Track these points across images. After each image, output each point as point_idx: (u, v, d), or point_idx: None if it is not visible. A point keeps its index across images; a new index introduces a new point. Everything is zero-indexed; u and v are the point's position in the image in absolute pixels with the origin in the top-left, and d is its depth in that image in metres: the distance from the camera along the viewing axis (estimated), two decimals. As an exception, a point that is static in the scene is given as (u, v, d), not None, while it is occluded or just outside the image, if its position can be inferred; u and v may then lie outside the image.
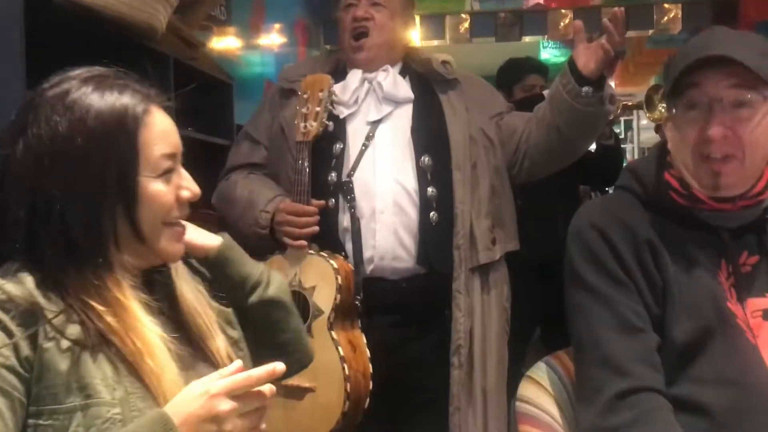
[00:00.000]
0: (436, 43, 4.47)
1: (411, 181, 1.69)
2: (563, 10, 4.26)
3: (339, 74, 1.81)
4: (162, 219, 0.98)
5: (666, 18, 4.15)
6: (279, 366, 0.88)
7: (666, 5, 4.16)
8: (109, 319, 0.90)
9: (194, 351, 1.01)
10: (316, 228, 1.65)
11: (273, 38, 4.31)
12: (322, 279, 1.60)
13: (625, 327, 1.13)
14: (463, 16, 4.39)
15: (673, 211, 1.20)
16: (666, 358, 1.13)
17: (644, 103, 2.49)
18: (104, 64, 1.00)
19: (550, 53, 5.36)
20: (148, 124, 0.96)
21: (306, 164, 1.65)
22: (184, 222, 1.03)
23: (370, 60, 1.78)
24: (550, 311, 2.76)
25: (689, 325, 1.13)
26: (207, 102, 3.18)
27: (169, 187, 0.99)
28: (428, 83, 1.80)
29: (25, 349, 0.87)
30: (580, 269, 1.19)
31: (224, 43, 4.12)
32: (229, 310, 1.13)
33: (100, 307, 0.91)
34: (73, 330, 0.90)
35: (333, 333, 1.59)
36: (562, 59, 5.45)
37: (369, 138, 1.72)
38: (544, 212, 2.71)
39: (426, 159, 1.70)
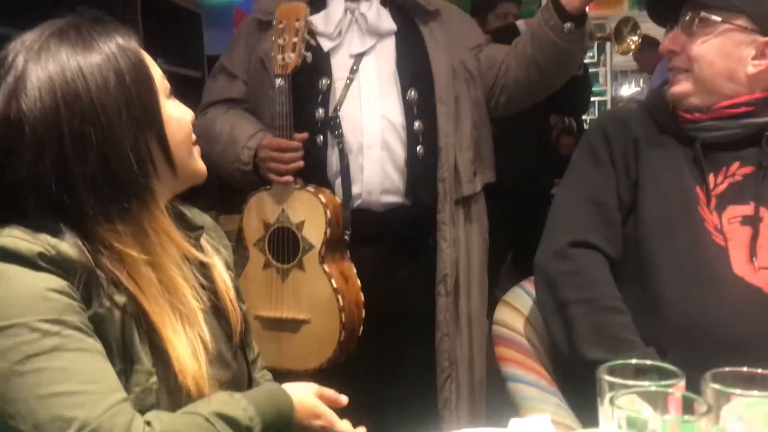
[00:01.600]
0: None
1: (398, 116, 1.69)
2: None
3: (316, 4, 1.76)
4: (190, 138, 0.99)
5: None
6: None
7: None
8: (145, 269, 0.88)
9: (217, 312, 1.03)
10: (302, 163, 1.65)
11: (242, -37, 4.14)
12: (310, 214, 1.62)
13: (591, 198, 1.33)
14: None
15: (668, 122, 1.34)
16: (635, 238, 1.29)
17: (613, 36, 2.54)
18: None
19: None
20: (142, 51, 0.95)
21: (287, 98, 1.63)
22: None
23: None
24: (521, 236, 2.85)
25: (656, 216, 1.27)
26: (176, 32, 3.10)
27: (179, 107, 0.99)
28: (408, 14, 1.77)
29: (88, 312, 0.84)
30: (576, 156, 1.41)
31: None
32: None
33: (139, 255, 0.88)
34: (120, 298, 0.87)
35: (325, 266, 1.61)
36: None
37: (353, 71, 1.70)
38: (517, 140, 2.75)
39: (412, 93, 1.70)
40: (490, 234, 1.89)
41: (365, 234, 1.68)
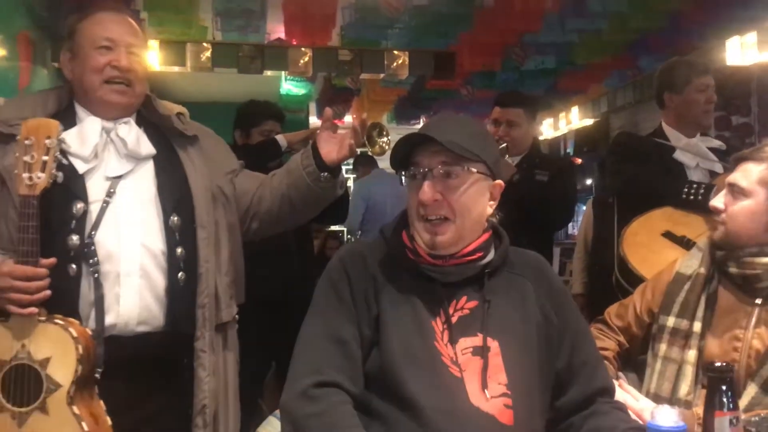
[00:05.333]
0: (176, 69, 4.38)
1: (159, 243, 1.65)
2: (303, 48, 4.46)
3: (65, 116, 1.69)
4: None
5: (395, 63, 4.56)
6: None
7: (396, 52, 4.58)
8: None
9: None
10: (49, 292, 1.53)
11: (-11, 50, 3.87)
12: (58, 349, 1.49)
13: (333, 336, 1.36)
14: (205, 45, 4.36)
15: (406, 262, 1.41)
16: (383, 376, 1.34)
17: (366, 141, 2.74)
18: None
19: (291, 85, 5.53)
20: None
21: (33, 221, 1.52)
22: None
23: (129, 107, 1.71)
24: (284, 347, 2.86)
25: (398, 353, 1.33)
26: None
27: None
28: (165, 136, 1.76)
29: None
30: (318, 292, 1.42)
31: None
32: None
33: None
34: None
35: (74, 408, 1.49)
36: (303, 92, 5.66)
37: (110, 194, 1.63)
38: (280, 251, 2.82)
39: (175, 218, 1.67)
40: (253, 346, 1.88)
41: (115, 359, 1.59)
